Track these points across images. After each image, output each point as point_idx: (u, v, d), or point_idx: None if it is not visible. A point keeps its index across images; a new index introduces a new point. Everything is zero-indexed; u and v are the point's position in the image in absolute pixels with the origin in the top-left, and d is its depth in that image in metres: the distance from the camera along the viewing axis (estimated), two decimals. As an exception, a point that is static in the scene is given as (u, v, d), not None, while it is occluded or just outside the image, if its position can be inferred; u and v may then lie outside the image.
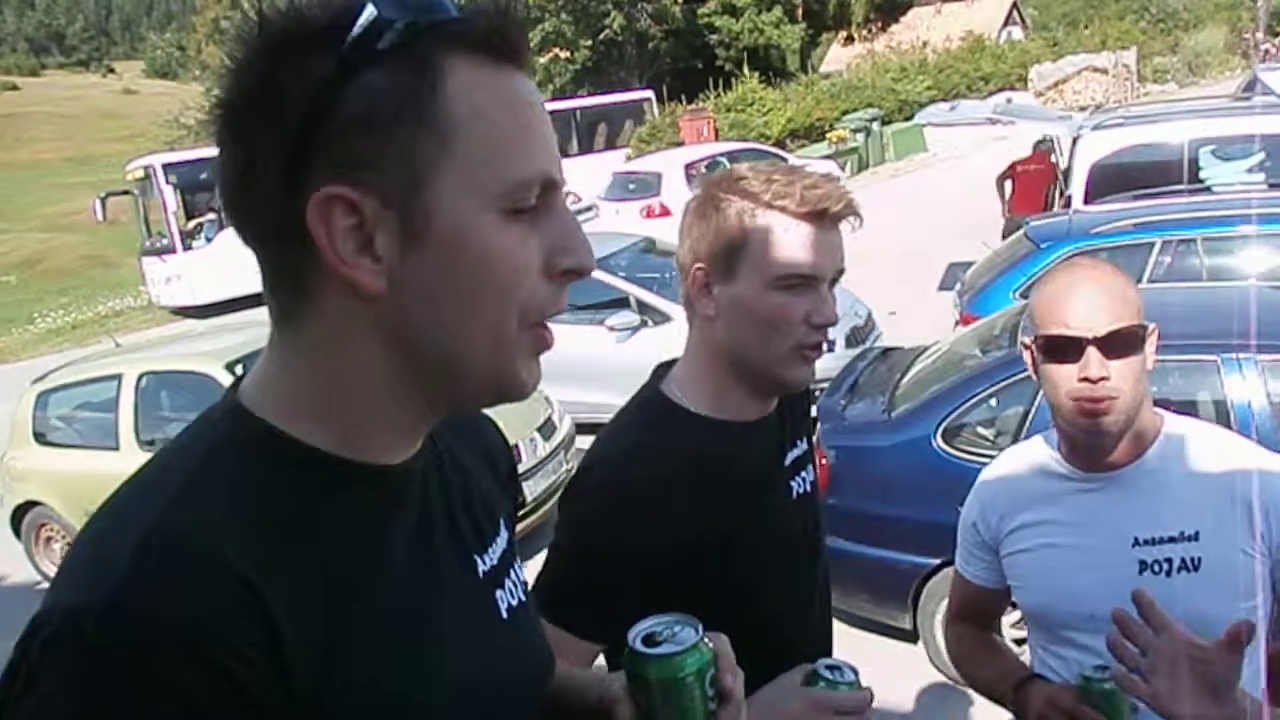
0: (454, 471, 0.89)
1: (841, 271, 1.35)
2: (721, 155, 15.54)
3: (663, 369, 1.46)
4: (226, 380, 5.52)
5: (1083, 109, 16.36)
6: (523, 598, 0.93)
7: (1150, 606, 1.30)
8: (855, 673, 1.16)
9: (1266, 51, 27.73)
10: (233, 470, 0.72)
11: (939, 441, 4.17)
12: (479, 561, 0.88)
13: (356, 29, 0.67)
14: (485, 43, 0.71)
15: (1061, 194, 8.25)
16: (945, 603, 4.14)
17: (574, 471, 1.39)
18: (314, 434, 0.74)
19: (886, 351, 5.59)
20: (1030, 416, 4.02)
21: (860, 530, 4.26)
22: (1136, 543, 1.53)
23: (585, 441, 6.50)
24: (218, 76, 0.72)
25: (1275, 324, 4.08)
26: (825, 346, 1.38)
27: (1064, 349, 1.49)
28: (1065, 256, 6.04)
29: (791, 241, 1.30)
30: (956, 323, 6.24)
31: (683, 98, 28.62)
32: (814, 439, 1.56)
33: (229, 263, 15.52)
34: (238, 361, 5.81)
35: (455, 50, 0.70)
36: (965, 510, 1.77)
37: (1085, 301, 1.48)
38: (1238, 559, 1.48)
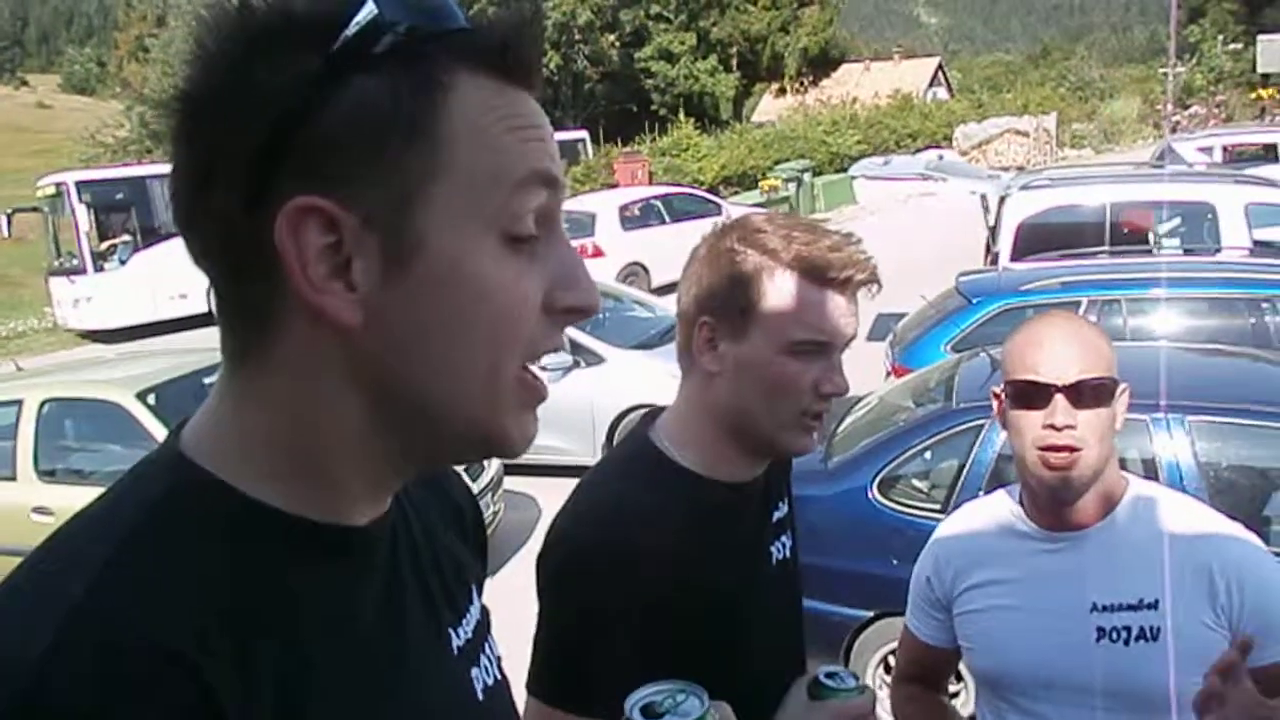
0: (423, 532, 0.79)
1: (853, 338, 1.27)
2: (656, 198, 15.65)
3: (648, 419, 1.37)
4: (139, 412, 5.24)
5: (1005, 169, 16.88)
6: (498, 675, 0.83)
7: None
8: (854, 676, 1.18)
9: (1177, 123, 29.08)
10: (174, 535, 0.61)
11: (875, 493, 4.15)
12: (453, 636, 0.78)
13: (352, 28, 0.59)
14: (496, 60, 0.63)
15: (989, 250, 8.43)
16: (878, 655, 4.17)
17: (553, 530, 1.28)
18: (271, 491, 0.64)
19: (821, 400, 5.58)
20: (965, 471, 4.03)
21: (793, 582, 4.19)
22: (1095, 608, 1.48)
23: (513, 483, 6.48)
24: (181, 65, 0.63)
25: (1202, 385, 4.16)
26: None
27: (1032, 396, 1.46)
28: (996, 312, 6.16)
29: (811, 307, 1.22)
30: (887, 374, 6.27)
31: (618, 140, 28.87)
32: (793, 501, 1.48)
33: (143, 286, 15.04)
34: (150, 391, 5.50)
35: (461, 64, 0.62)
36: (919, 565, 1.72)
37: (1056, 350, 1.46)
38: (1198, 631, 1.45)
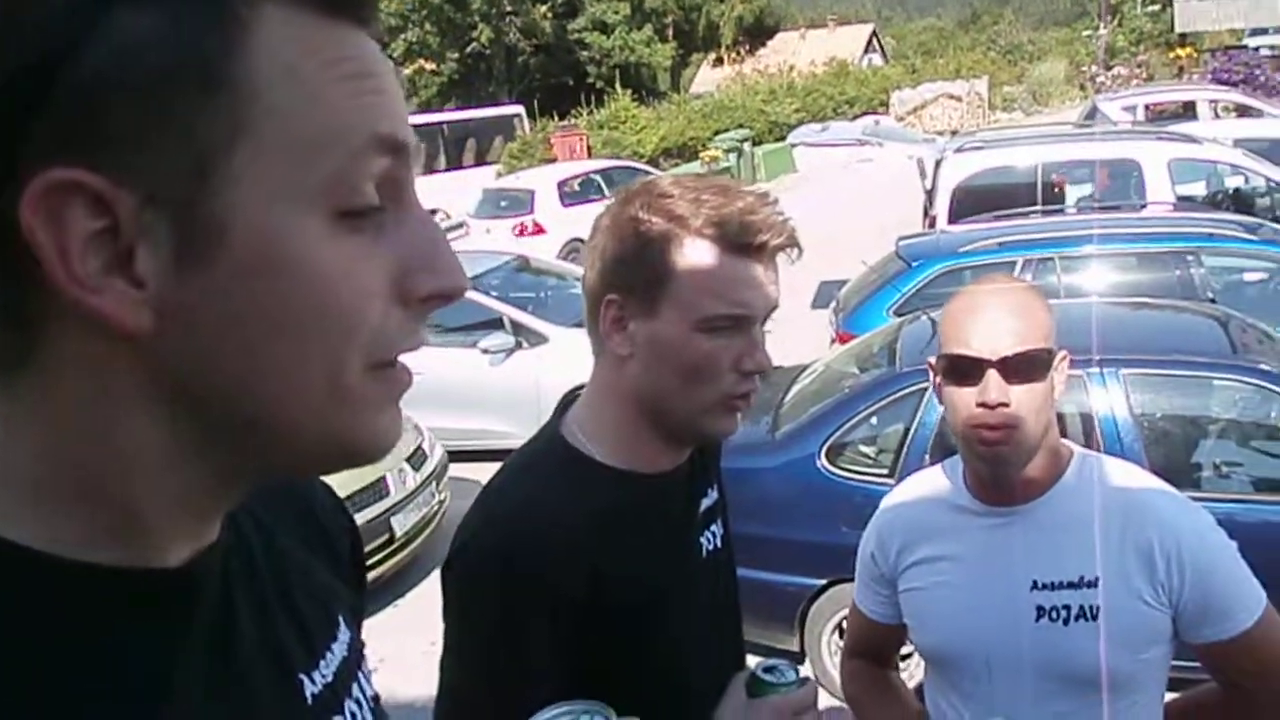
0: (268, 559, 0.66)
1: (775, 308, 1.18)
2: (596, 173, 15.52)
3: (563, 408, 1.28)
4: None
5: (940, 133, 17.04)
6: (369, 717, 0.70)
7: None
8: (794, 669, 1.12)
9: (1102, 84, 29.58)
10: None
11: (823, 461, 4.18)
12: (306, 683, 0.65)
13: None
14: None
15: (927, 214, 8.51)
16: (832, 622, 4.21)
17: (456, 539, 1.18)
18: (48, 534, 0.50)
19: (766, 370, 5.60)
20: (911, 435, 4.07)
21: (744, 553, 4.17)
22: (1035, 586, 1.45)
23: (459, 470, 6.39)
24: None
25: (1134, 339, 4.25)
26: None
27: (964, 370, 1.40)
28: (936, 274, 6.22)
29: (724, 278, 1.11)
30: (832, 341, 6.31)
31: (554, 114, 28.55)
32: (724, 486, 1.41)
33: None
34: None
35: None
36: (864, 541, 1.68)
37: (989, 322, 1.40)
38: (1138, 609, 1.42)
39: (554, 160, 20.96)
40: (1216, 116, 13.90)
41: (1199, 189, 8.31)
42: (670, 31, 45.71)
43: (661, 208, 1.13)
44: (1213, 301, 5.50)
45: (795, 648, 4.28)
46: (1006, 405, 1.38)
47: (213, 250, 0.48)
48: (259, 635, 0.62)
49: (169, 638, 0.54)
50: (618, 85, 30.91)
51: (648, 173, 16.27)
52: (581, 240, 14.52)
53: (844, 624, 4.22)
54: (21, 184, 0.44)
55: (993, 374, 1.38)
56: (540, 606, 1.09)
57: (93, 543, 0.51)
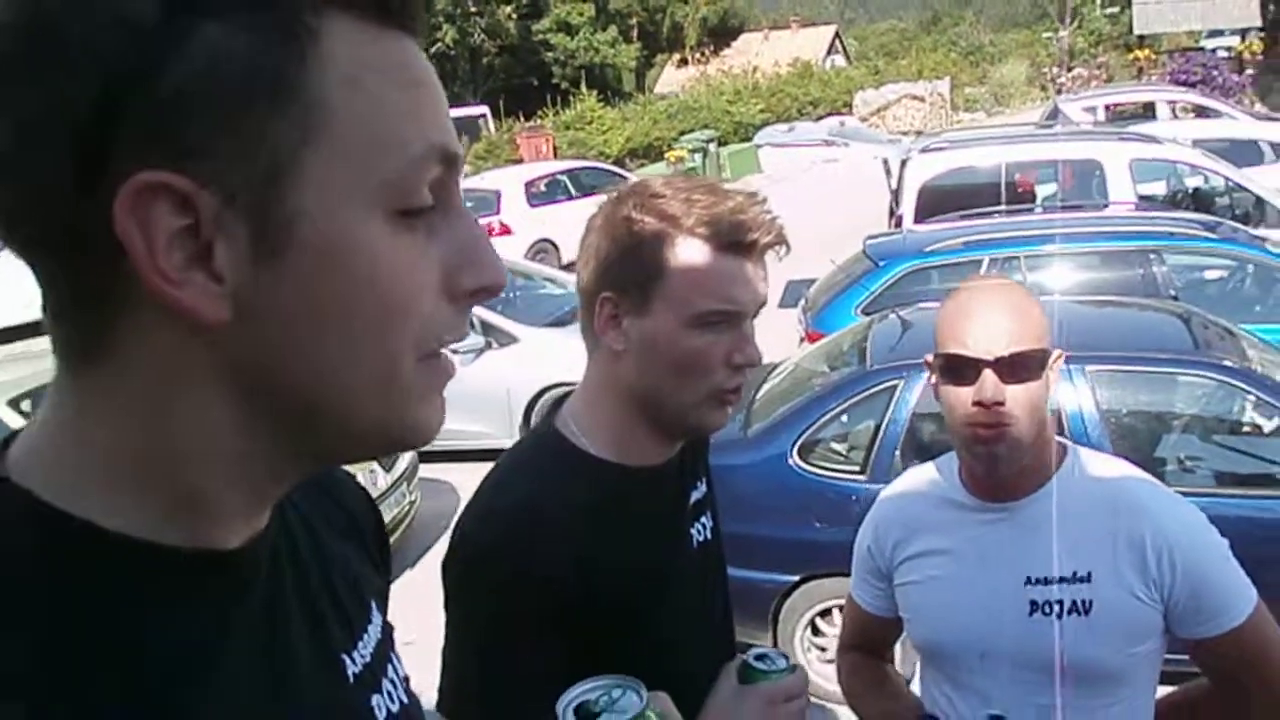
0: (310, 546, 0.70)
1: (764, 304, 1.21)
2: (563, 173, 15.49)
3: (556, 405, 1.30)
4: (15, 421, 4.89)
5: (904, 134, 17.19)
6: (404, 699, 0.74)
7: None
8: (784, 657, 1.15)
9: (1062, 85, 29.99)
10: None
11: (795, 458, 4.20)
12: (348, 662, 0.69)
13: None
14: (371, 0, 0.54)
15: (893, 213, 8.58)
16: (805, 618, 4.24)
17: (456, 533, 1.20)
18: (120, 515, 0.54)
19: (737, 369, 5.62)
20: (882, 431, 4.11)
21: (718, 550, 4.22)
22: (1029, 581, 1.47)
23: (429, 471, 6.36)
24: None
25: (1099, 336, 4.31)
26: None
27: (961, 370, 1.43)
28: (903, 273, 6.28)
29: (715, 275, 1.14)
30: (802, 339, 6.34)
31: (519, 115, 28.51)
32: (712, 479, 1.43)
33: (17, 282, 14.31)
34: (25, 396, 5.03)
35: (331, 6, 0.52)
36: (860, 534, 1.70)
37: (985, 322, 1.42)
38: (1129, 604, 1.44)
39: (520, 161, 20.91)
40: (1175, 117, 14.15)
41: (1160, 188, 8.46)
42: (635, 33, 45.73)
43: (654, 207, 1.15)
44: (1175, 299, 5.59)
45: (769, 644, 4.30)
46: (1002, 404, 1.40)
47: (284, 247, 0.52)
48: (305, 616, 0.66)
49: (227, 615, 0.59)
50: (583, 86, 30.95)
51: (614, 173, 16.29)
52: (549, 241, 14.54)
53: (817, 620, 4.26)
54: (113, 183, 0.48)
55: (989, 374, 1.40)
56: (538, 599, 1.11)
57: (161, 524, 0.55)
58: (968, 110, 32.28)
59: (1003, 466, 1.45)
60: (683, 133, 25.49)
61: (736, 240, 1.14)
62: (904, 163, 8.63)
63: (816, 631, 4.28)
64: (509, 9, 39.77)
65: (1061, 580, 1.45)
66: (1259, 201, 7.98)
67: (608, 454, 1.21)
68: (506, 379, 6.73)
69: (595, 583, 1.12)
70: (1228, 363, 4.08)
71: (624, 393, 1.20)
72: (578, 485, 1.17)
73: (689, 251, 1.14)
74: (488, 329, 6.99)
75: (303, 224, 0.52)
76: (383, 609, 0.77)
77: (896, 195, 8.59)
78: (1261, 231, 6.91)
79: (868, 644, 1.79)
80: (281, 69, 0.50)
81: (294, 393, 0.55)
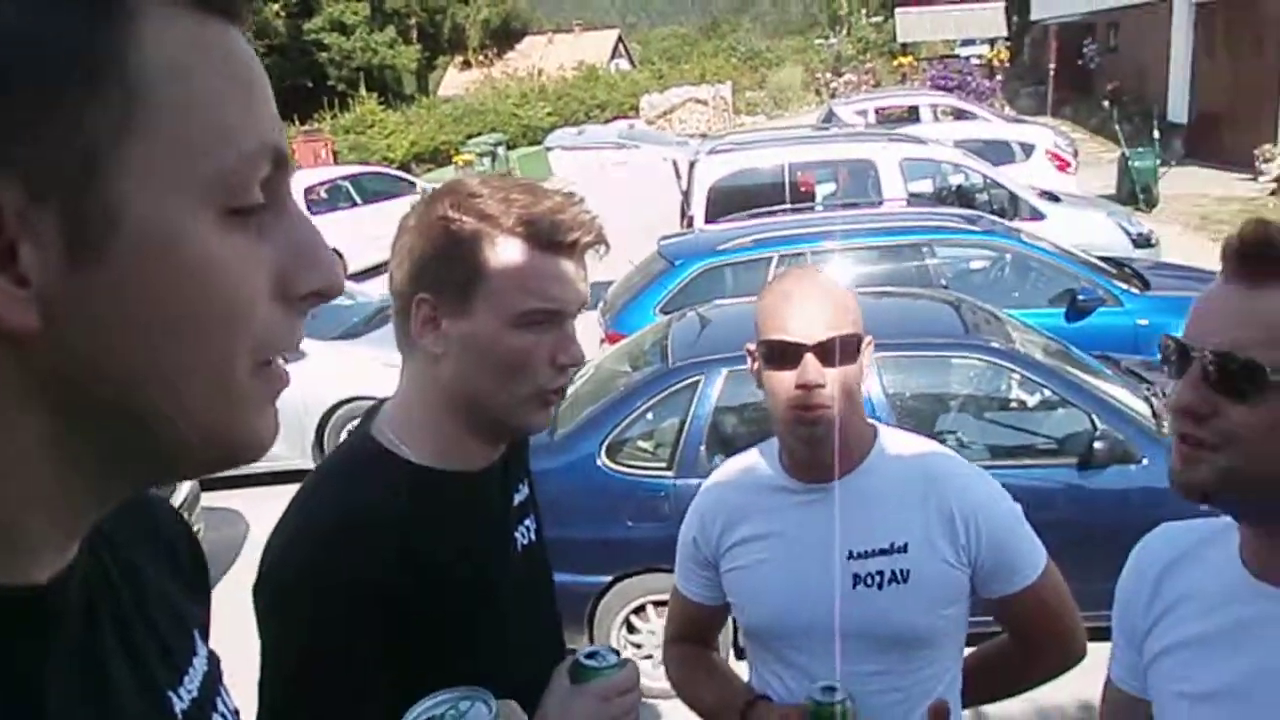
0: (123, 577, 0.65)
1: (585, 304, 1.21)
2: (345, 179, 14.94)
3: (373, 412, 1.25)
4: None
5: (690, 136, 17.67)
6: None
7: None
8: (615, 653, 1.17)
9: (835, 90, 31.72)
10: None
11: (603, 459, 4.21)
12: (175, 700, 0.64)
13: None
14: None
15: (685, 214, 8.78)
16: (620, 617, 4.25)
17: (269, 552, 1.12)
18: None
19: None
20: (686, 427, 4.18)
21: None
22: (851, 556, 1.54)
23: (211, 499, 5.96)
24: None
25: (881, 324, 4.54)
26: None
27: (783, 355, 1.48)
28: (698, 272, 6.42)
29: (537, 274, 1.13)
30: (602, 341, 6.38)
31: (295, 118, 27.26)
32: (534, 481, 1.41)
33: None
34: None
35: None
36: (685, 525, 1.73)
37: (805, 309, 1.49)
38: (942, 569, 1.53)
39: (298, 167, 20.04)
40: (937, 119, 15.23)
41: (927, 186, 9.06)
42: (415, 33, 44.72)
43: (472, 207, 1.13)
44: (945, 288, 6.00)
45: (585, 645, 4.27)
46: (823, 386, 1.46)
47: (105, 245, 0.47)
48: (124, 652, 0.61)
49: (43, 657, 0.53)
50: (362, 88, 29.93)
51: (400, 178, 15.89)
52: (334, 251, 13.93)
53: (632, 618, 4.28)
54: None
55: (810, 358, 1.47)
56: (362, 615, 1.06)
57: None
58: (749, 113, 33.58)
59: (824, 447, 1.51)
60: (470, 136, 25.21)
61: (557, 239, 1.14)
62: (692, 164, 8.84)
63: (632, 629, 4.31)
64: (276, 6, 37.98)
65: (881, 552, 1.53)
66: (1013, 197, 8.70)
67: (428, 460, 1.17)
68: (296, 396, 6.34)
69: (423, 592, 1.09)
70: (995, 344, 4.41)
71: (444, 396, 1.18)
72: (399, 493, 1.13)
73: (509, 251, 1.13)
74: (276, 343, 6.63)
75: (125, 221, 0.47)
76: (205, 639, 0.73)
77: (687, 196, 8.78)
78: (1017, 224, 7.54)
79: (695, 634, 1.81)
80: (96, 49, 0.46)
81: (118, 406, 0.50)
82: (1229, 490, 1.04)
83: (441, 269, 1.13)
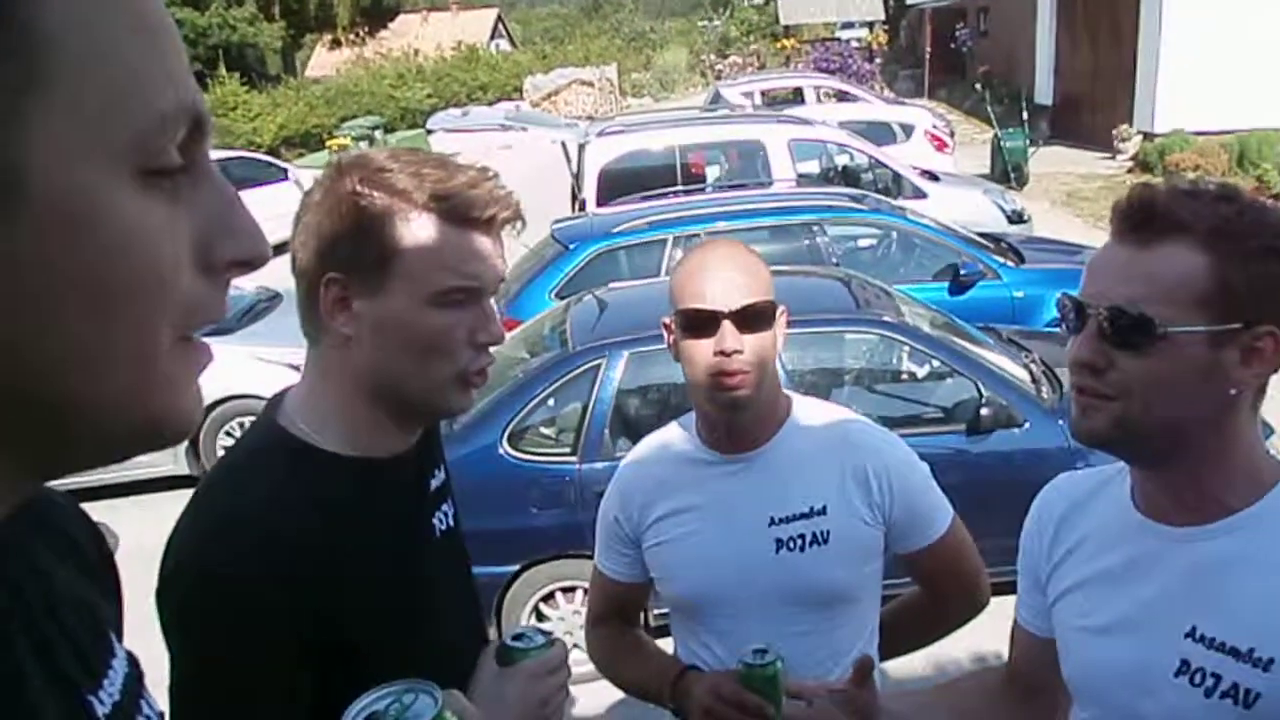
0: (33, 581, 0.61)
1: (502, 281, 1.18)
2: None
3: (277, 401, 1.19)
4: None
5: (577, 119, 17.58)
6: None
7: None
8: (541, 633, 1.17)
9: (720, 71, 31.98)
10: None
11: (505, 448, 4.16)
12: (96, 704, 0.61)
13: None
14: None
15: (576, 197, 8.73)
16: (529, 605, 4.22)
17: (171, 555, 1.06)
18: None
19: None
20: (589, 412, 4.16)
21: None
22: (772, 522, 1.58)
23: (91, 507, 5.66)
24: None
25: (781, 301, 4.61)
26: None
27: (700, 324, 1.50)
28: (593, 255, 6.39)
29: (454, 251, 1.10)
30: (498, 326, 6.29)
31: (151, 100, 26.02)
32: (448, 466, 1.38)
33: None
34: None
35: None
36: (605, 504, 1.74)
37: (721, 277, 1.50)
38: (860, 529, 1.59)
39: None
40: (820, 101, 15.52)
41: (814, 166, 9.22)
42: (276, 10, 42.99)
43: (382, 182, 1.09)
44: (837, 265, 6.12)
45: (494, 637, 4.23)
46: (741, 353, 1.48)
47: (12, 208, 0.43)
48: (37, 658, 0.57)
49: None
50: (222, 68, 28.65)
51: (270, 164, 15.31)
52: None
53: (541, 605, 4.26)
54: None
55: (727, 324, 1.48)
56: (278, 614, 1.02)
57: None
58: (635, 96, 33.61)
59: (744, 414, 1.54)
60: (344, 119, 24.49)
61: (473, 215, 1.11)
62: (582, 147, 8.78)
63: (541, 617, 4.29)
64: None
65: (801, 516, 1.58)
66: (896, 176, 8.94)
67: (342, 448, 1.13)
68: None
69: (344, 584, 1.06)
70: (886, 319, 4.53)
71: (357, 380, 1.13)
72: (314, 484, 1.09)
73: (424, 227, 1.09)
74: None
75: (33, 180, 0.43)
76: (121, 640, 0.69)
77: (578, 179, 8.72)
78: (901, 202, 7.74)
79: (619, 613, 1.82)
80: None
81: (30, 385, 0.46)
82: (1123, 437, 1.10)
83: (352, 247, 1.08)
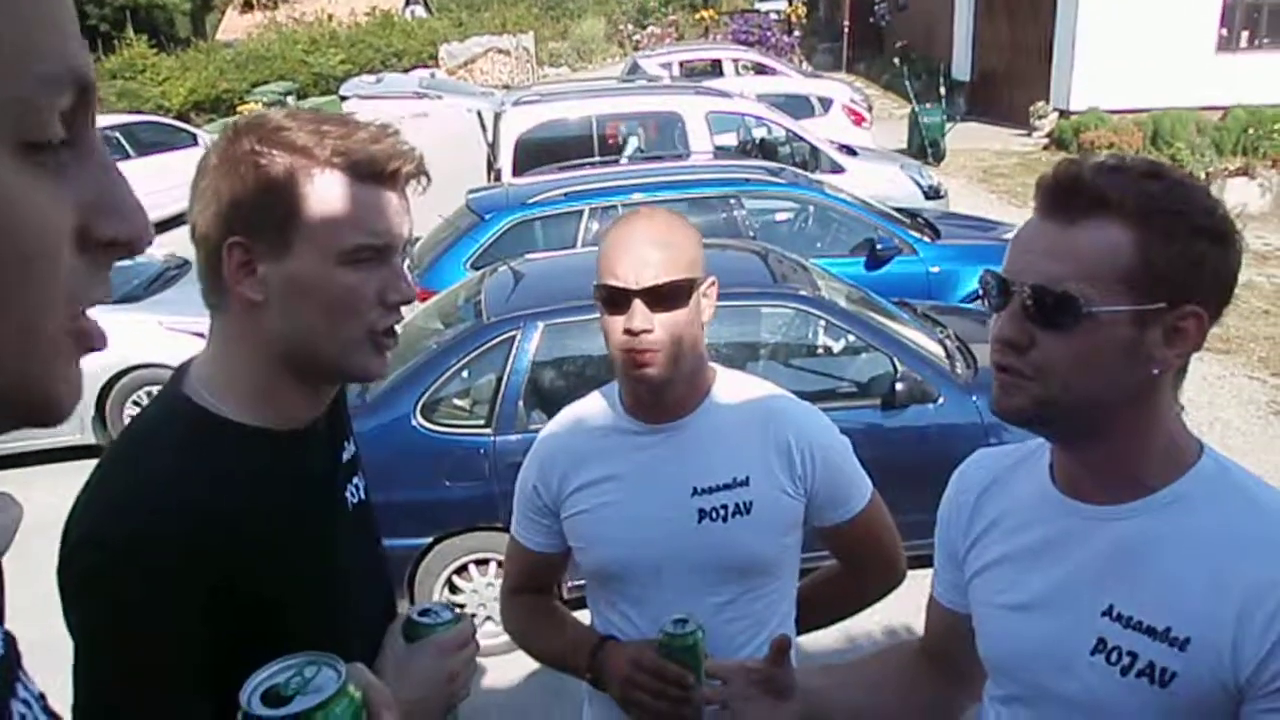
0: None
1: (411, 239, 1.14)
2: (116, 129, 13.72)
3: (182, 370, 1.15)
4: None
5: (493, 88, 17.32)
6: (41, 717, 0.64)
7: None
8: (448, 608, 1.16)
9: (638, 42, 31.79)
10: None
11: (418, 419, 4.08)
12: None
13: None
14: None
15: (491, 167, 8.59)
16: (442, 578, 4.15)
17: (72, 529, 1.02)
18: None
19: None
20: (504, 383, 4.10)
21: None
22: (695, 492, 1.57)
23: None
24: None
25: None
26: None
27: (615, 300, 1.49)
28: (509, 226, 6.30)
29: (360, 208, 1.07)
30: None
31: (53, 62, 24.86)
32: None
33: None
34: None
35: None
36: (523, 474, 1.71)
37: (634, 255, 1.48)
38: (781, 500, 1.59)
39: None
40: (739, 74, 15.56)
41: (732, 139, 9.23)
42: (189, -29, 41.47)
43: (282, 141, 1.06)
44: (754, 238, 6.12)
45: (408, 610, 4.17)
46: (650, 331, 1.47)
47: None
48: None
49: None
50: (129, 29, 27.52)
51: (180, 129, 14.79)
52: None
53: (455, 578, 4.20)
54: None
55: (638, 303, 1.47)
56: (184, 590, 0.99)
57: None
58: (552, 65, 33.19)
59: (658, 388, 1.53)
60: (255, 84, 23.79)
61: (378, 170, 1.08)
62: (498, 116, 8.65)
63: (455, 590, 4.23)
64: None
65: (724, 487, 1.57)
66: (814, 150, 9.00)
67: (250, 418, 1.10)
68: (102, 361, 5.87)
69: (254, 558, 1.03)
70: (803, 293, 4.54)
71: (265, 346, 1.10)
72: (222, 455, 1.06)
73: (329, 185, 1.06)
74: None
75: None
76: (1, 622, 0.65)
77: (493, 149, 8.60)
78: (818, 176, 7.79)
79: (535, 584, 1.80)
80: None
81: None
82: (1044, 415, 1.09)
83: (254, 209, 1.05)
